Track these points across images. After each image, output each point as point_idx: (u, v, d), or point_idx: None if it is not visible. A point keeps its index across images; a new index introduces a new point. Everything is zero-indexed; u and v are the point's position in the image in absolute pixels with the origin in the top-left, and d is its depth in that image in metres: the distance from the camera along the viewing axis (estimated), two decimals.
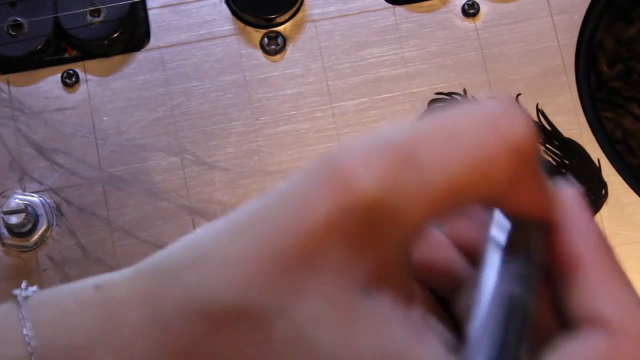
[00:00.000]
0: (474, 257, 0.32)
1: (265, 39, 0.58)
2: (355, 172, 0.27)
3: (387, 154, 0.27)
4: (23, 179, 0.56)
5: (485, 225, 0.31)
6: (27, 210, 0.54)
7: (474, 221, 0.33)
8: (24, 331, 0.30)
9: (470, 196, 0.28)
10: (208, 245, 0.28)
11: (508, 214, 0.30)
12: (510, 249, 0.29)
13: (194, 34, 0.58)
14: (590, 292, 0.29)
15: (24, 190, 0.56)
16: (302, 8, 0.59)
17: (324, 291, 0.27)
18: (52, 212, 0.55)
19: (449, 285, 0.33)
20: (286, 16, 0.58)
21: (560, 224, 0.30)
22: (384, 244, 0.28)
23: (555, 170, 0.57)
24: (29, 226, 0.54)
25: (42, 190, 0.55)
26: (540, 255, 0.30)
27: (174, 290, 0.28)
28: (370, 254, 0.27)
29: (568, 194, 0.31)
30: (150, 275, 0.30)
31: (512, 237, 0.30)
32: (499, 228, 0.30)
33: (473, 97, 0.57)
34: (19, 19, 0.57)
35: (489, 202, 0.29)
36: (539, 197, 0.30)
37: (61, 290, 0.31)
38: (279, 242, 0.27)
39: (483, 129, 0.28)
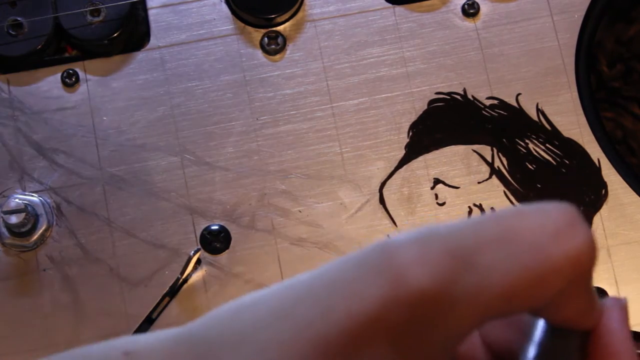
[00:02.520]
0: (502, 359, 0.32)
1: (265, 39, 0.58)
2: (410, 267, 0.26)
3: (444, 252, 0.27)
4: (23, 178, 0.56)
5: (521, 329, 0.31)
6: (27, 210, 0.54)
7: (508, 322, 0.32)
8: None
9: (523, 304, 0.28)
10: (250, 323, 0.27)
11: (548, 323, 0.30)
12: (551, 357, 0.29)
13: (194, 33, 0.58)
14: None
15: (24, 190, 0.56)
16: (302, 8, 0.59)
17: None
18: (52, 212, 0.55)
19: None
20: (286, 16, 0.58)
21: (599, 342, 0.30)
22: (432, 345, 0.27)
23: (555, 170, 0.57)
24: (29, 226, 0.54)
25: (42, 190, 0.55)
26: None
27: None
28: (417, 353, 0.27)
29: (612, 308, 0.31)
30: (188, 347, 0.28)
31: (551, 348, 0.30)
32: (538, 337, 0.30)
33: (473, 97, 0.57)
34: (19, 18, 0.57)
35: (536, 310, 0.29)
36: (585, 309, 0.29)
37: (89, 354, 0.30)
38: (323, 330, 0.26)
39: (546, 239, 0.27)
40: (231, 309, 0.28)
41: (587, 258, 0.28)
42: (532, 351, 0.29)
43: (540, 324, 0.30)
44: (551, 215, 0.28)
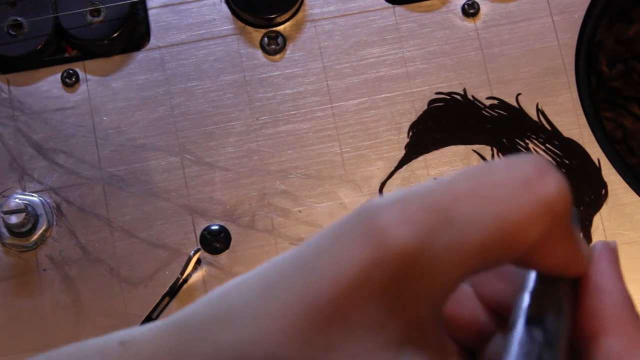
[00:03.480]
0: (500, 312, 0.33)
1: (265, 39, 0.58)
2: (389, 227, 0.27)
3: (421, 210, 0.27)
4: (23, 178, 0.56)
5: (514, 281, 0.31)
6: (27, 210, 0.54)
7: (500, 275, 0.33)
8: None
9: (503, 255, 0.28)
10: (237, 300, 0.28)
11: (539, 272, 0.30)
12: (541, 309, 0.30)
13: (194, 33, 0.58)
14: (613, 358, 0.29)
15: (24, 190, 0.56)
16: (302, 8, 0.59)
17: (357, 349, 0.27)
18: (52, 212, 0.55)
19: (473, 339, 0.33)
20: (286, 16, 0.58)
21: (590, 284, 0.31)
22: (418, 301, 0.27)
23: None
24: (29, 226, 0.54)
25: (42, 190, 0.55)
26: (569, 314, 0.30)
27: (202, 346, 0.28)
28: (404, 311, 0.27)
29: (601, 252, 0.31)
30: (177, 331, 0.29)
31: (543, 296, 0.30)
32: (530, 286, 0.30)
33: (473, 97, 0.57)
34: (19, 19, 0.57)
35: (520, 261, 0.29)
36: (570, 256, 0.30)
37: (87, 346, 0.30)
38: (311, 297, 0.27)
39: (517, 189, 0.28)
40: (218, 290, 0.29)
41: (560, 204, 0.28)
42: (525, 300, 0.30)
43: (532, 275, 0.31)
44: (519, 166, 0.28)
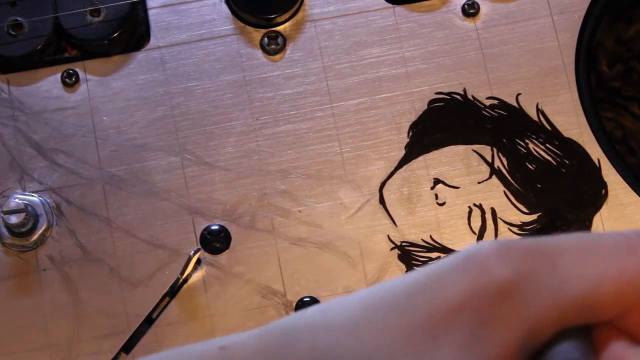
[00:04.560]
0: None
1: (265, 39, 0.58)
2: (492, 260, 0.28)
3: (524, 250, 0.29)
4: (23, 178, 0.56)
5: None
6: (27, 210, 0.54)
7: None
8: None
9: (596, 312, 0.29)
10: (340, 313, 0.30)
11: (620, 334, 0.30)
12: None
13: (194, 33, 0.58)
14: None
15: (24, 190, 0.56)
16: (302, 8, 0.59)
17: None
18: (52, 212, 0.55)
19: None
20: (286, 16, 0.58)
21: None
22: (508, 334, 0.28)
23: (555, 171, 0.57)
24: (29, 226, 0.54)
25: (42, 190, 0.55)
26: None
27: (298, 348, 0.29)
28: (494, 336, 0.28)
29: None
30: (278, 336, 0.30)
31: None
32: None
33: (473, 97, 0.57)
34: (19, 19, 0.57)
35: (609, 323, 0.30)
36: None
37: (186, 350, 0.32)
38: (409, 314, 0.28)
39: (621, 252, 0.29)
40: (318, 307, 0.31)
41: None
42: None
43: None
44: (626, 234, 0.29)
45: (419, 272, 0.30)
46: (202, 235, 0.55)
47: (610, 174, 0.56)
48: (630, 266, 0.28)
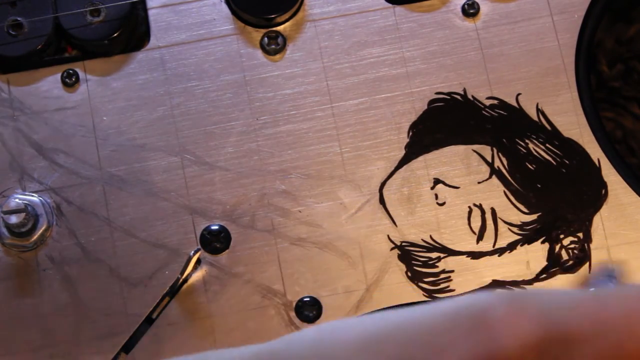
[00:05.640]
0: None
1: (265, 39, 0.58)
2: (500, 328, 0.26)
3: (538, 317, 0.27)
4: (23, 178, 0.56)
5: None
6: (27, 210, 0.54)
7: None
8: None
9: None
10: (332, 349, 0.28)
11: None
12: None
13: (194, 33, 0.58)
14: None
15: (24, 190, 0.56)
16: (302, 8, 0.59)
17: None
18: (52, 212, 0.55)
19: None
20: (286, 16, 0.58)
21: None
22: None
23: (555, 171, 0.57)
24: (29, 226, 0.54)
25: (42, 190, 0.55)
26: None
27: None
28: None
29: None
30: None
31: None
32: None
33: (473, 97, 0.57)
34: (19, 19, 0.57)
35: None
36: None
37: None
38: None
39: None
40: (314, 331, 0.29)
41: None
42: None
43: None
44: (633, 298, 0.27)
45: (423, 317, 0.28)
46: (202, 235, 0.55)
47: (610, 174, 0.56)
48: None
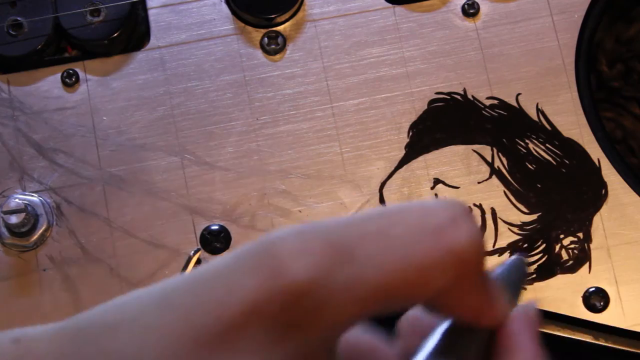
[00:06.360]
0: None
1: (265, 39, 0.58)
2: (286, 258, 0.27)
3: (324, 244, 0.27)
4: (23, 178, 0.56)
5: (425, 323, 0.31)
6: (27, 210, 0.54)
7: (418, 328, 0.32)
8: None
9: (404, 298, 0.28)
10: (131, 312, 0.28)
11: (452, 321, 0.30)
12: (443, 356, 0.29)
13: (194, 33, 0.58)
14: None
15: (24, 190, 0.56)
16: (302, 8, 0.59)
17: None
18: (52, 212, 0.55)
19: None
20: (286, 16, 0.58)
21: (503, 341, 0.30)
22: (309, 334, 0.27)
23: (555, 171, 0.57)
24: (29, 226, 0.54)
25: (42, 190, 0.55)
26: None
27: (91, 352, 0.28)
28: (293, 341, 0.27)
29: (521, 315, 0.31)
30: (71, 335, 0.29)
31: (448, 344, 0.30)
32: (439, 333, 0.30)
33: (473, 97, 0.57)
34: (19, 18, 0.57)
35: (427, 305, 0.29)
36: (480, 306, 0.29)
37: None
38: (199, 318, 0.27)
39: (426, 234, 0.27)
40: (117, 300, 0.29)
41: (470, 254, 0.28)
42: (431, 343, 0.30)
43: (445, 323, 0.30)
44: (434, 211, 0.28)
45: (215, 263, 0.28)
46: (202, 235, 0.55)
47: (610, 174, 0.56)
48: (434, 251, 0.27)
